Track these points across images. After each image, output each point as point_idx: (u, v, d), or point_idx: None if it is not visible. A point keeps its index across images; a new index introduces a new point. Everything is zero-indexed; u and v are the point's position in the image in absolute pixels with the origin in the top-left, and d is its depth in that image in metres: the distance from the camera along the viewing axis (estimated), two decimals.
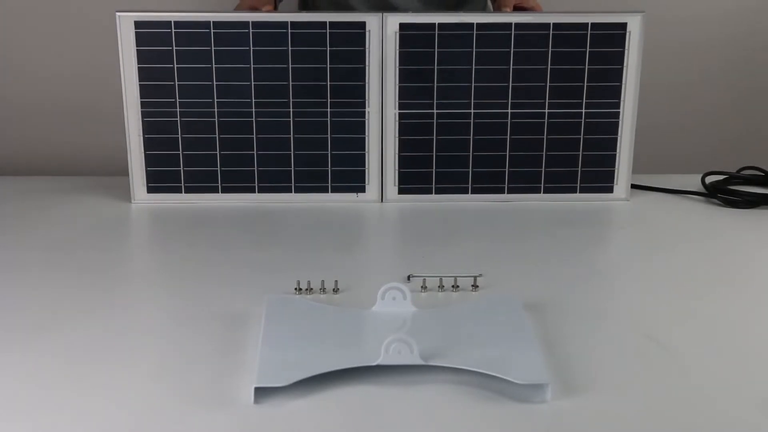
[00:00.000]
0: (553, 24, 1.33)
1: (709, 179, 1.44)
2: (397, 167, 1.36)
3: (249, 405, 0.79)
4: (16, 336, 0.93)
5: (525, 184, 1.38)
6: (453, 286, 1.04)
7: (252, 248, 1.17)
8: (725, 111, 2.20)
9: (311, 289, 1.03)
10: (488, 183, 1.38)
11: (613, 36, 1.35)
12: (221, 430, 0.76)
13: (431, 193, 1.38)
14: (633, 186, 1.40)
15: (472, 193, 1.38)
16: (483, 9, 1.65)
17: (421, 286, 1.04)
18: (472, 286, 1.04)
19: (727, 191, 1.40)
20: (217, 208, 1.33)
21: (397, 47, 1.32)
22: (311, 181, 1.36)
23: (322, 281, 1.03)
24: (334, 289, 1.03)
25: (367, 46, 1.32)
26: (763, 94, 2.19)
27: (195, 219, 1.27)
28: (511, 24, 1.32)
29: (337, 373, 0.82)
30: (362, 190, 1.36)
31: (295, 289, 1.02)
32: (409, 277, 1.05)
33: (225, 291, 1.04)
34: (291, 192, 1.36)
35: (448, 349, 0.85)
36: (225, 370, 0.85)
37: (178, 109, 1.32)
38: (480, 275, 1.04)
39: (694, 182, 1.44)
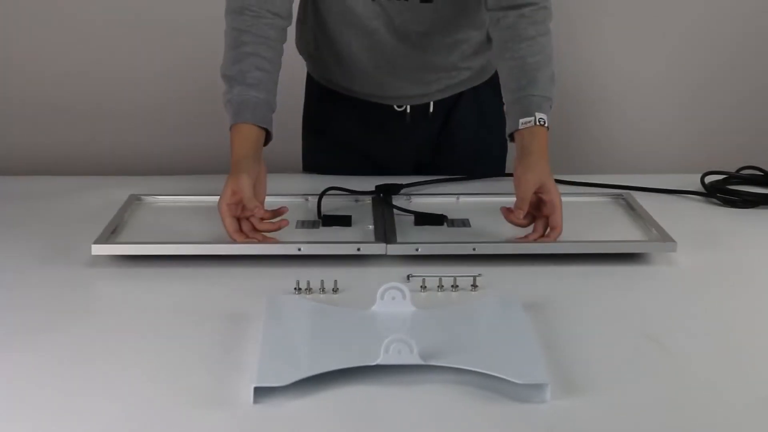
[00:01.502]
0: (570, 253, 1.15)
1: (709, 179, 1.44)
2: None
3: (249, 405, 0.79)
4: (16, 336, 0.93)
5: None
6: (452, 286, 1.04)
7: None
8: (725, 111, 2.20)
9: (311, 289, 1.03)
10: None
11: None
12: (221, 429, 0.76)
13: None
14: (633, 186, 1.40)
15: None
16: (472, 37, 1.45)
17: (421, 286, 1.04)
18: (472, 286, 1.04)
19: (727, 191, 1.40)
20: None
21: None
22: None
23: (322, 281, 1.03)
24: (333, 289, 1.03)
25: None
26: (762, 94, 2.19)
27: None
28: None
29: (337, 373, 0.82)
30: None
31: (295, 289, 1.02)
32: (408, 277, 1.05)
33: (225, 291, 1.04)
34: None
35: (447, 349, 0.85)
36: (225, 369, 0.85)
37: None
38: (480, 275, 1.04)
39: (693, 182, 1.44)
